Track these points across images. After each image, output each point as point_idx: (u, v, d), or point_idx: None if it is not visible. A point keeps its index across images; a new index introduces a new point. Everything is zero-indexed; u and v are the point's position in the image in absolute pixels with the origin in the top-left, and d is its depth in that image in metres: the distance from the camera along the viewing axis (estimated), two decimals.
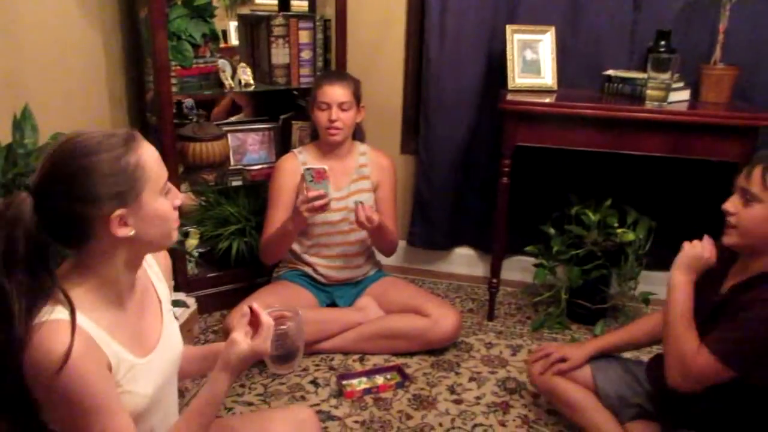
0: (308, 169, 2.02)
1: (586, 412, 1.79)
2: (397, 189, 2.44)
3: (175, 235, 1.16)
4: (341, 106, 2.24)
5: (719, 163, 2.21)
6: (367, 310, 2.30)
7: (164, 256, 1.35)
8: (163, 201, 1.10)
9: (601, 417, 1.78)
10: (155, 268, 1.28)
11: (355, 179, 2.35)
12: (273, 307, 1.29)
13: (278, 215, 2.24)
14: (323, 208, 2.05)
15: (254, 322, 1.21)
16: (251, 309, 1.20)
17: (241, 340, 1.16)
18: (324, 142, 2.32)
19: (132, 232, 1.06)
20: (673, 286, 1.54)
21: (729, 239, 1.50)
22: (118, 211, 1.03)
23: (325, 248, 2.34)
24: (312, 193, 2.02)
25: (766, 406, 1.46)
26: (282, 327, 1.26)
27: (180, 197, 1.15)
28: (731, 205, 1.47)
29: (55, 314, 1.00)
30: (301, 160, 2.32)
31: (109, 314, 1.08)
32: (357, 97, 2.30)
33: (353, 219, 2.18)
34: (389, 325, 2.25)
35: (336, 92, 2.24)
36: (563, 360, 1.83)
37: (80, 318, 1.01)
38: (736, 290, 1.50)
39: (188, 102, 2.72)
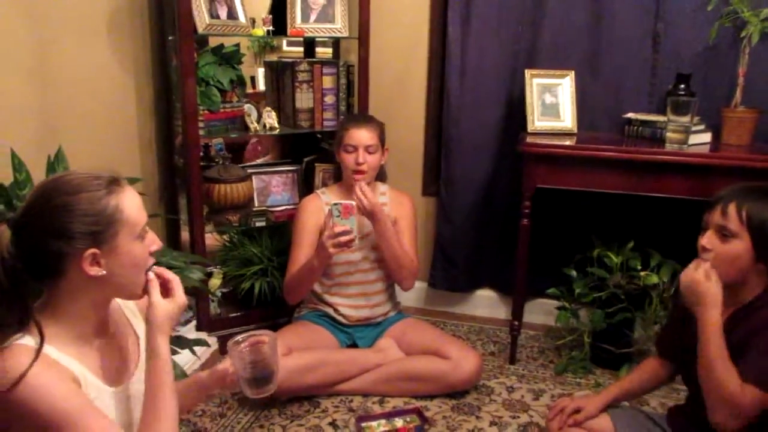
0: (336, 204, 2.05)
1: None
2: (417, 229, 2.45)
3: (141, 288, 1.17)
4: (367, 149, 2.28)
5: None
6: (387, 351, 2.29)
7: None
8: (138, 246, 1.14)
9: None
10: (130, 305, 1.31)
11: None
12: (253, 333, 1.32)
13: (302, 254, 2.26)
14: (349, 244, 2.06)
15: (165, 285, 1.22)
16: (156, 273, 1.21)
17: (161, 300, 1.18)
18: (347, 183, 2.35)
19: (103, 273, 1.09)
20: (702, 327, 1.51)
21: None
22: (91, 250, 1.07)
23: (346, 287, 2.35)
24: (338, 229, 2.04)
25: None
26: (257, 350, 1.28)
27: (157, 243, 1.19)
28: (708, 242, 1.48)
29: (22, 340, 1.04)
30: (324, 200, 2.36)
31: (78, 348, 1.12)
32: (382, 139, 2.35)
33: (374, 258, 2.18)
34: (409, 368, 2.23)
35: (363, 135, 2.28)
36: (578, 411, 1.81)
37: (48, 348, 1.05)
38: (735, 319, 1.50)
39: (217, 144, 2.80)
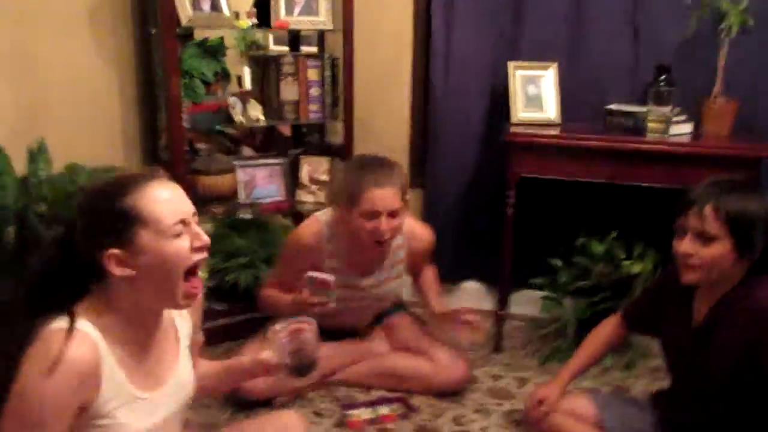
0: (311, 277, 1.83)
1: None
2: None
3: (181, 293, 1.13)
4: (392, 214, 1.89)
5: None
6: (373, 344, 2.28)
7: None
8: (170, 244, 1.09)
9: None
10: None
11: (387, 266, 2.15)
12: (293, 320, 1.30)
13: (286, 276, 2.08)
14: (322, 312, 1.81)
15: None
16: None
17: None
18: (361, 240, 1.97)
19: (129, 273, 1.09)
20: None
21: (692, 277, 1.51)
22: (112, 251, 1.08)
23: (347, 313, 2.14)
24: (311, 299, 1.83)
25: None
26: (298, 338, 1.27)
27: (200, 239, 1.13)
28: (689, 247, 1.47)
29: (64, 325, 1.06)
30: (326, 236, 2.04)
31: (122, 347, 1.12)
32: (405, 192, 1.95)
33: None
34: (395, 366, 2.22)
35: (386, 198, 1.86)
36: (541, 403, 1.84)
37: (96, 336, 1.07)
38: (716, 314, 1.53)
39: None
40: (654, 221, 2.55)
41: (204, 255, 1.14)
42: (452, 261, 2.86)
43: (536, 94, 2.49)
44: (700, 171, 2.19)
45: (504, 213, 2.37)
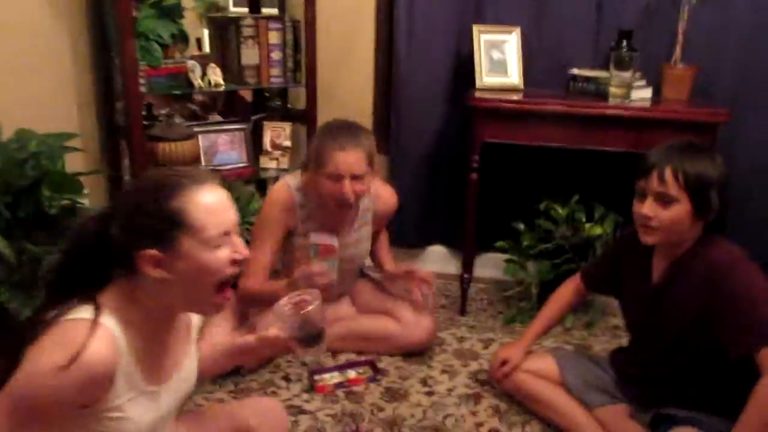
0: (315, 244, 1.90)
1: (555, 406, 1.85)
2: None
3: (212, 302, 1.12)
4: (357, 177, 1.92)
5: None
6: (339, 307, 2.29)
7: None
8: (208, 254, 1.07)
9: (569, 407, 1.83)
10: None
11: (356, 228, 2.18)
12: (296, 294, 1.31)
13: (263, 260, 2.02)
14: (326, 286, 1.77)
15: None
16: None
17: None
18: (326, 201, 2.00)
19: (163, 276, 1.06)
20: None
21: (651, 239, 1.57)
22: (151, 251, 1.04)
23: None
24: (315, 269, 1.83)
25: (736, 381, 1.50)
26: (304, 310, 1.28)
27: (240, 252, 1.11)
28: (650, 209, 1.52)
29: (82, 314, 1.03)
30: (297, 201, 2.06)
31: (141, 341, 1.09)
32: (371, 159, 1.97)
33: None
34: (361, 328, 2.24)
35: (349, 161, 1.89)
36: (505, 363, 1.91)
37: (117, 331, 1.04)
38: (673, 273, 1.58)
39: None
40: (614, 184, 2.62)
41: (239, 269, 1.13)
42: (417, 225, 2.88)
43: (500, 59, 2.48)
44: (660, 135, 2.24)
45: (468, 177, 2.39)
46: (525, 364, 1.91)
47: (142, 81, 2.29)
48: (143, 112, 2.41)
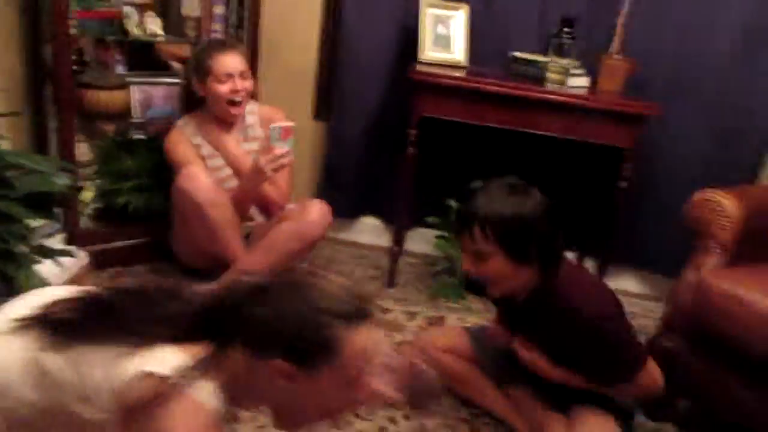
0: (275, 127, 2.03)
1: (469, 383, 1.90)
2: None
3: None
4: (242, 75, 2.21)
5: (611, 149, 2.35)
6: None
7: None
8: (344, 392, 1.02)
9: (482, 385, 1.89)
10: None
11: (245, 140, 2.34)
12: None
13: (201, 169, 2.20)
14: (288, 165, 2.08)
15: None
16: None
17: None
18: (216, 115, 2.27)
19: (290, 389, 0.99)
20: None
21: (494, 291, 1.63)
22: (285, 365, 0.97)
23: None
24: (279, 151, 2.02)
25: None
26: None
27: (373, 401, 1.10)
28: (469, 266, 1.57)
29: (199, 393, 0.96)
30: (188, 134, 2.29)
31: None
32: (249, 65, 2.28)
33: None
34: (269, 239, 2.21)
35: (234, 59, 2.19)
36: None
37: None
38: (530, 305, 1.64)
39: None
40: (548, 169, 2.69)
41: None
42: (352, 196, 2.88)
43: (445, 34, 2.49)
44: (592, 123, 2.32)
45: (405, 152, 2.39)
46: (441, 341, 1.94)
47: (73, 23, 2.18)
48: (73, 57, 2.29)
